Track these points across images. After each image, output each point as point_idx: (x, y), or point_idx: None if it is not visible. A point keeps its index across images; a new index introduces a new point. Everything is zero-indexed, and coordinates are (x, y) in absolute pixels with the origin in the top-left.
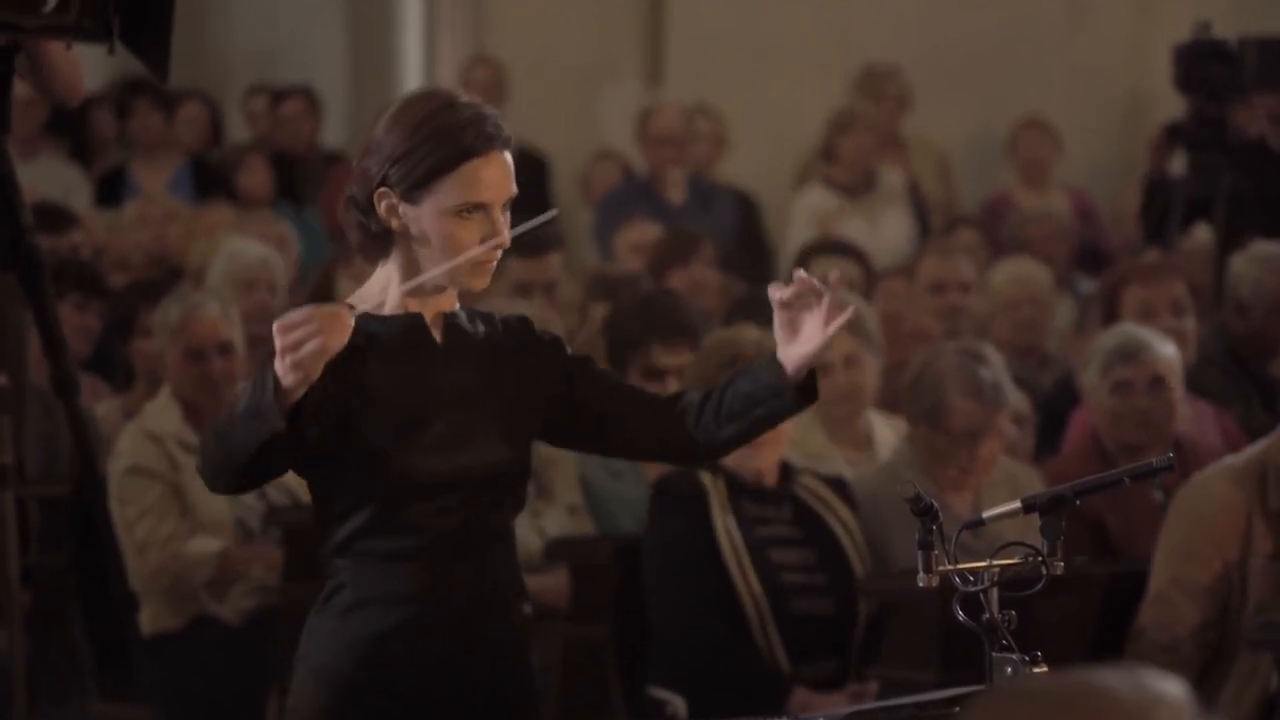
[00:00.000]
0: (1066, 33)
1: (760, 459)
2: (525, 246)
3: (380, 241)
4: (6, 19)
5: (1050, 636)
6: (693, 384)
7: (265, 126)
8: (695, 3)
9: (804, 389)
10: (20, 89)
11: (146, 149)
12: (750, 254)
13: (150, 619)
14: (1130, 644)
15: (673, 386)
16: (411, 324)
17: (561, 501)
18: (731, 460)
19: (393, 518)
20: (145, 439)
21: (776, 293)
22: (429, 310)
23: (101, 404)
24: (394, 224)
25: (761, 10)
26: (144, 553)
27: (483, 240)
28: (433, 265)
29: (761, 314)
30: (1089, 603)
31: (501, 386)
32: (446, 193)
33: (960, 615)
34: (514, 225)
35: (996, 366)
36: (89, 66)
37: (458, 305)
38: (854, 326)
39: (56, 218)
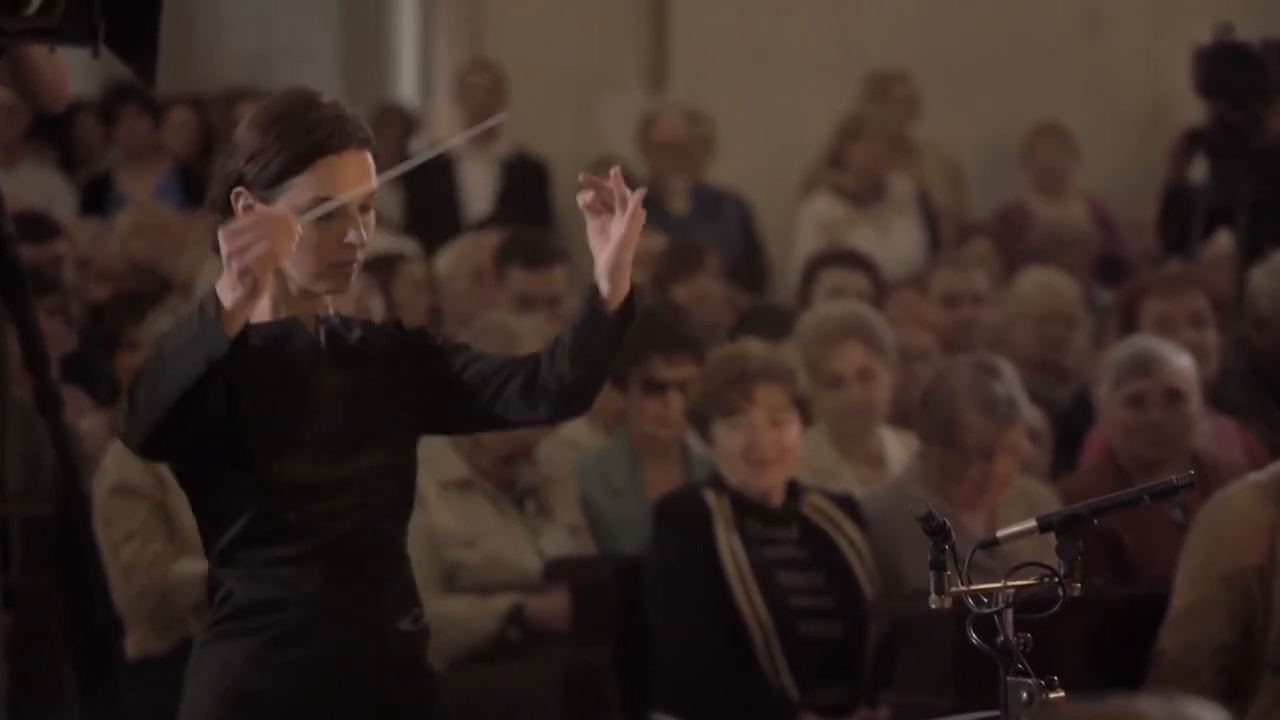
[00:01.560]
0: (1082, 36)
1: (766, 477)
2: (528, 258)
3: None
4: None
5: (1067, 660)
6: (697, 400)
7: None
8: (698, 6)
9: (622, 310)
10: (1, 94)
11: (132, 156)
12: (755, 265)
13: (136, 642)
14: (1150, 668)
15: (675, 402)
16: (287, 329)
17: (561, 521)
18: (737, 479)
19: (274, 523)
20: (131, 457)
21: (579, 198)
22: (304, 314)
23: (86, 419)
24: None
25: (765, 14)
26: (129, 575)
27: (339, 239)
28: (295, 267)
29: (768, 328)
30: (1107, 625)
31: (379, 388)
32: (299, 190)
33: (974, 638)
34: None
35: (1011, 381)
36: (73, 70)
37: (331, 310)
38: (867, 338)
39: (39, 227)
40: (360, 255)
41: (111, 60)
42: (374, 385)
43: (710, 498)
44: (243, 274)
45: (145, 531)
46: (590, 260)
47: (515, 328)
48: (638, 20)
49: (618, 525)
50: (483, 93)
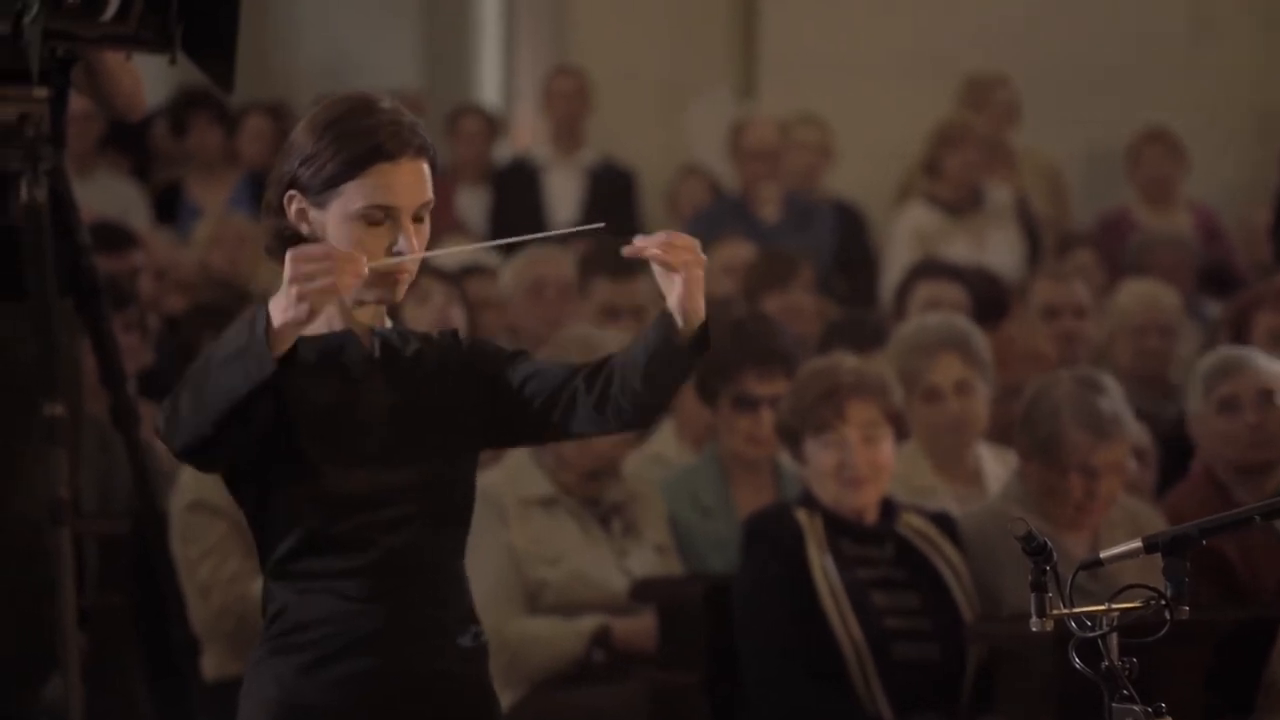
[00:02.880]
0: (1189, 39)
1: (860, 495)
2: (612, 268)
3: (291, 246)
4: (63, 28)
5: (1174, 686)
6: (787, 416)
7: None
8: (789, 10)
9: (697, 339)
10: (77, 102)
11: (204, 165)
12: (853, 274)
13: (213, 664)
14: (1261, 695)
15: (766, 418)
16: (340, 341)
17: (648, 540)
18: (829, 497)
19: (328, 536)
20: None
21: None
22: (358, 325)
23: None
24: (304, 228)
25: (859, 18)
26: (207, 594)
27: (390, 249)
28: None
29: (861, 340)
30: (1216, 649)
31: (434, 400)
32: (351, 196)
33: (1077, 663)
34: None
35: (1116, 397)
36: (146, 77)
37: (388, 322)
38: (964, 350)
39: (115, 237)
40: (412, 267)
41: (184, 66)
42: (429, 398)
43: (802, 516)
44: (300, 300)
45: (223, 549)
46: None
47: (598, 341)
48: (727, 25)
49: (706, 544)
50: (567, 99)
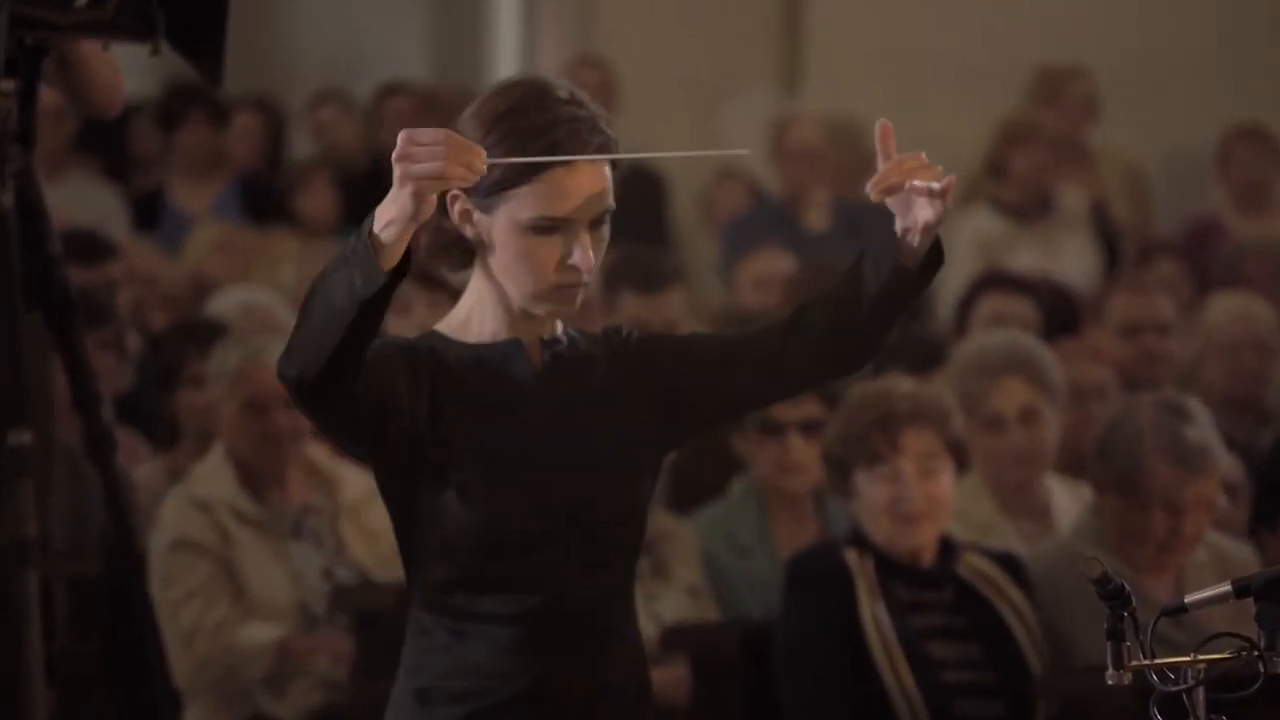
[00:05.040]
0: None
1: (916, 534)
2: (640, 281)
3: (453, 249)
4: (32, 14)
5: None
6: (835, 446)
7: (343, 136)
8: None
9: (930, 260)
10: (47, 97)
11: (188, 166)
12: None
13: (197, 719)
14: None
15: (796, 444)
16: (507, 351)
17: (679, 581)
18: (881, 536)
19: (485, 573)
20: (192, 507)
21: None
22: (528, 335)
23: (142, 466)
24: (467, 230)
25: (916, 5)
26: (190, 641)
27: (563, 261)
28: (509, 282)
29: (916, 360)
30: None
31: (605, 414)
32: (521, 203)
33: None
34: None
35: (1204, 424)
36: (129, 69)
37: (561, 329)
38: (1031, 373)
39: (90, 247)
40: (587, 278)
41: (172, 58)
42: (601, 416)
43: (851, 557)
44: (402, 182)
45: (208, 592)
46: (709, 286)
47: None
48: (768, 14)
49: (743, 587)
50: (591, 93)
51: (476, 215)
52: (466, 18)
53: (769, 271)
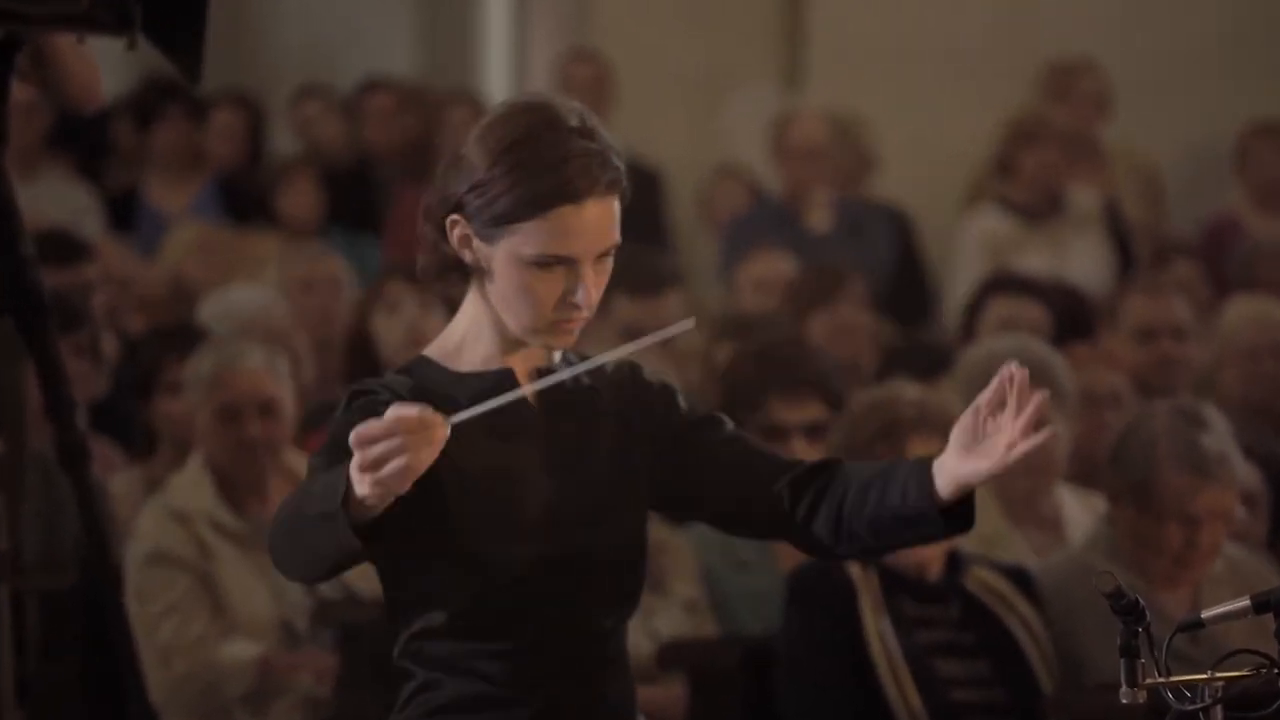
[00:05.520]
0: None
1: (922, 548)
2: (636, 284)
3: (451, 272)
4: (5, 7)
5: None
6: (839, 455)
7: (326, 133)
8: None
9: (958, 514)
10: (20, 92)
11: (166, 165)
12: (910, 292)
13: None
14: None
15: (800, 449)
16: (500, 382)
17: (677, 597)
18: None
19: (478, 616)
20: (170, 519)
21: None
22: (521, 364)
23: (117, 476)
24: (466, 256)
25: (919, 1)
26: (168, 659)
27: (564, 298)
28: (506, 312)
29: (922, 365)
30: None
31: (607, 455)
32: (525, 239)
33: None
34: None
35: (1221, 432)
36: (105, 64)
37: (559, 357)
38: (1042, 379)
39: (64, 248)
40: (588, 313)
41: (150, 52)
42: (598, 451)
43: (854, 571)
44: (375, 488)
45: (186, 607)
46: (708, 289)
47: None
48: (769, 8)
49: (743, 602)
50: (586, 88)
51: (476, 242)
52: (455, 8)
53: (770, 273)
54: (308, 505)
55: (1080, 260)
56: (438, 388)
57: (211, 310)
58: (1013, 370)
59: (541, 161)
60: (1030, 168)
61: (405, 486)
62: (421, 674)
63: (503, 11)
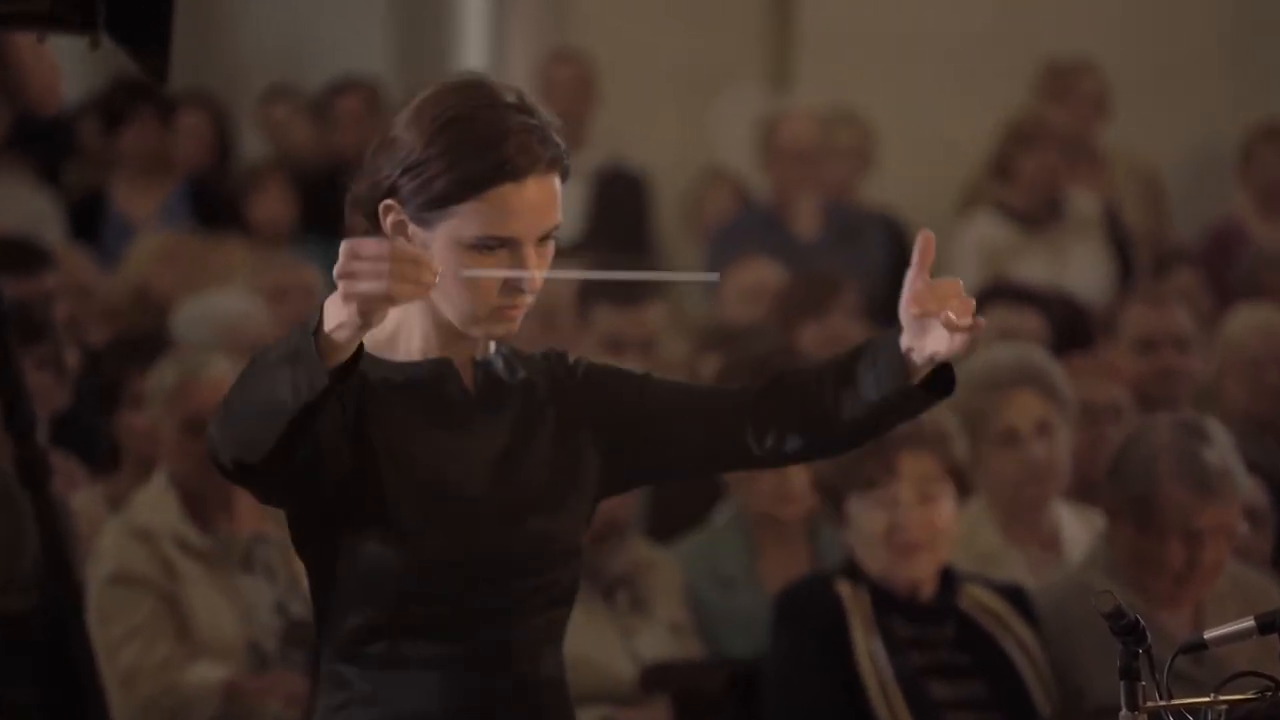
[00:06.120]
0: None
1: (915, 564)
2: (617, 292)
3: None
4: None
5: None
6: (827, 471)
7: (296, 136)
8: None
9: (938, 382)
10: None
11: (133, 168)
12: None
13: None
14: None
15: (794, 469)
16: (436, 372)
17: (660, 617)
18: (877, 567)
19: (413, 614)
20: (133, 538)
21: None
22: (459, 354)
23: (79, 493)
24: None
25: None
26: (131, 683)
27: (507, 282)
28: (445, 301)
29: None
30: None
31: (546, 445)
32: (465, 221)
33: None
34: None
35: (1224, 446)
36: (70, 64)
37: (494, 348)
38: (1044, 387)
39: (24, 256)
40: (529, 299)
41: (118, 51)
42: (539, 441)
43: (844, 590)
44: (346, 300)
45: (151, 629)
46: (693, 297)
47: None
48: (757, 6)
49: (729, 623)
50: (567, 90)
51: (412, 228)
52: (429, 5)
53: (757, 282)
54: (265, 357)
55: (1079, 268)
56: (375, 372)
57: (187, 317)
58: (927, 235)
59: (479, 139)
60: (1028, 171)
61: (377, 315)
62: (347, 685)
63: (480, 9)
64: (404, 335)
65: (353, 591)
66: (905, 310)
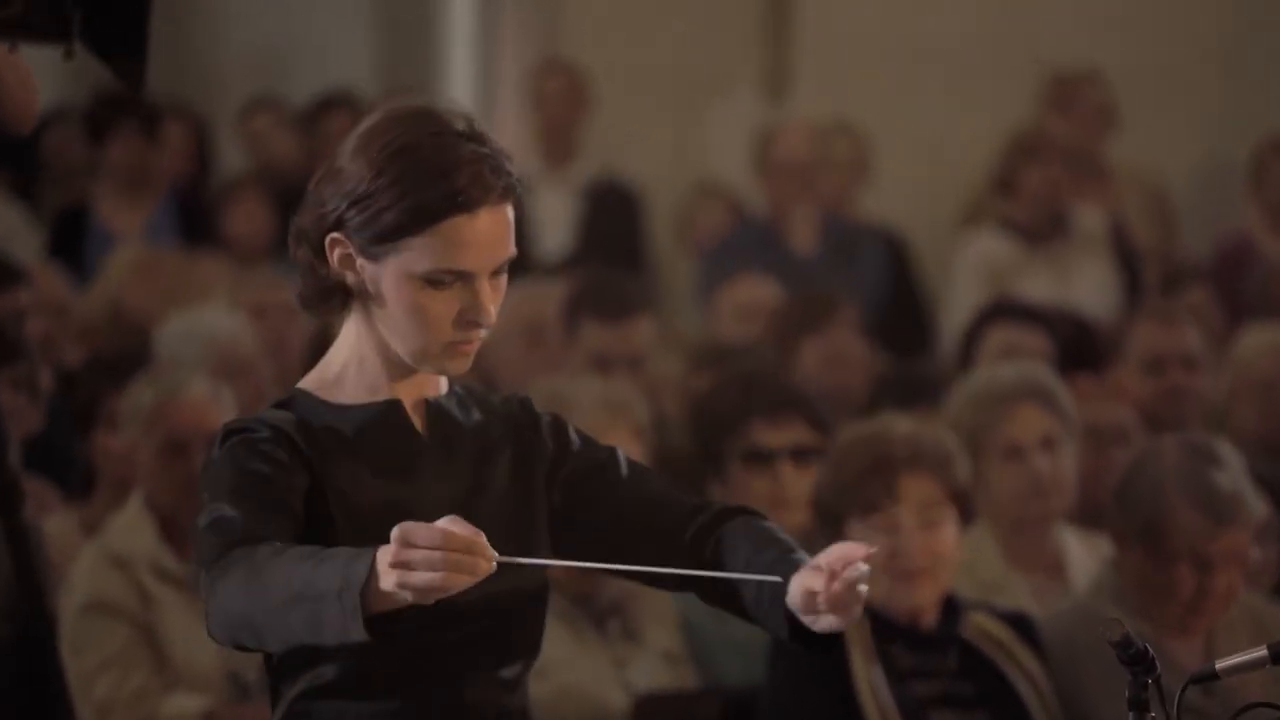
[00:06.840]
0: None
1: (916, 592)
2: (604, 308)
3: (331, 296)
4: None
5: None
6: (826, 494)
7: (278, 148)
8: None
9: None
10: None
11: (117, 182)
12: (904, 317)
13: None
14: None
15: (787, 473)
16: (386, 415)
17: (653, 646)
18: (879, 594)
19: (366, 671)
20: (109, 565)
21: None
22: (408, 395)
23: (53, 518)
24: (348, 277)
25: (911, 5)
26: (106, 715)
27: (461, 316)
28: (396, 338)
29: (917, 396)
30: None
31: (503, 492)
32: (416, 254)
33: None
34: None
35: (1235, 469)
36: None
37: (446, 386)
38: (1049, 403)
39: None
40: (485, 333)
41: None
42: (495, 488)
43: None
44: (399, 586)
45: (126, 660)
46: (686, 314)
47: (569, 394)
48: (753, 11)
49: (724, 651)
50: (558, 101)
51: (360, 262)
52: (416, 14)
53: (752, 299)
54: (299, 576)
55: (1085, 285)
56: (320, 421)
57: (172, 334)
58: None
59: (430, 169)
60: (1032, 185)
61: (428, 602)
62: None
63: (468, 18)
64: (350, 376)
65: (301, 650)
66: (797, 592)
